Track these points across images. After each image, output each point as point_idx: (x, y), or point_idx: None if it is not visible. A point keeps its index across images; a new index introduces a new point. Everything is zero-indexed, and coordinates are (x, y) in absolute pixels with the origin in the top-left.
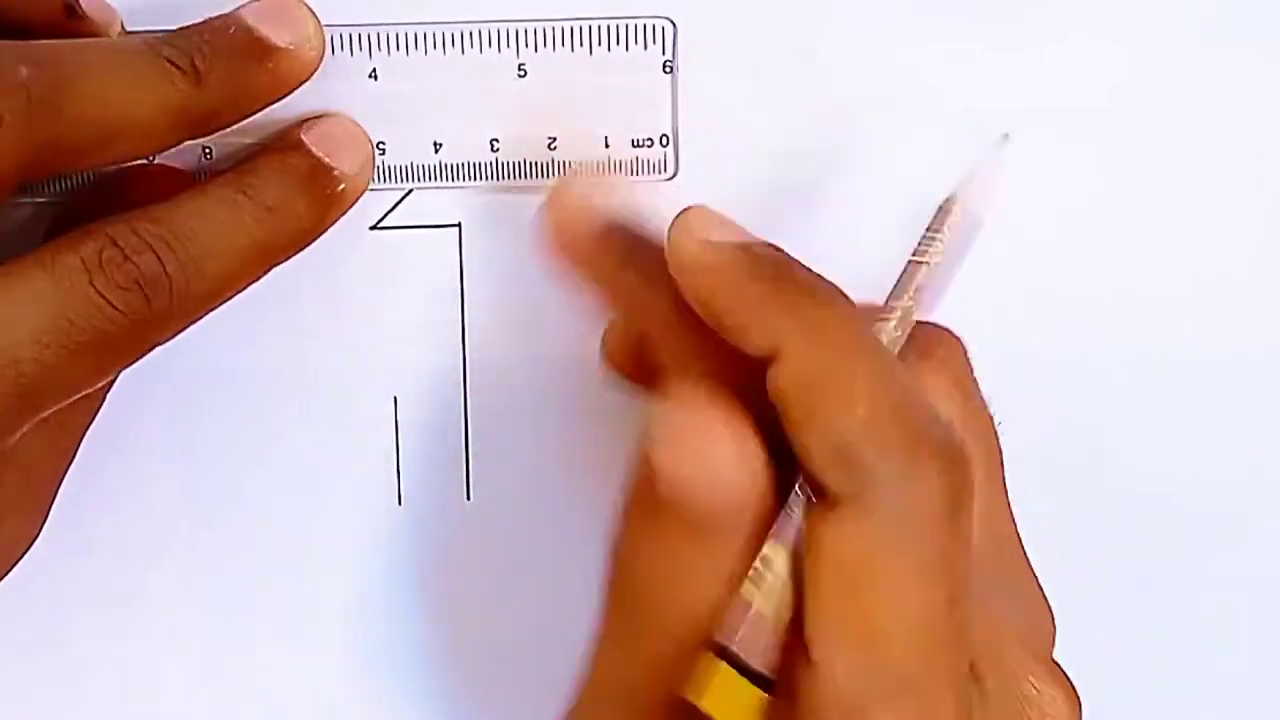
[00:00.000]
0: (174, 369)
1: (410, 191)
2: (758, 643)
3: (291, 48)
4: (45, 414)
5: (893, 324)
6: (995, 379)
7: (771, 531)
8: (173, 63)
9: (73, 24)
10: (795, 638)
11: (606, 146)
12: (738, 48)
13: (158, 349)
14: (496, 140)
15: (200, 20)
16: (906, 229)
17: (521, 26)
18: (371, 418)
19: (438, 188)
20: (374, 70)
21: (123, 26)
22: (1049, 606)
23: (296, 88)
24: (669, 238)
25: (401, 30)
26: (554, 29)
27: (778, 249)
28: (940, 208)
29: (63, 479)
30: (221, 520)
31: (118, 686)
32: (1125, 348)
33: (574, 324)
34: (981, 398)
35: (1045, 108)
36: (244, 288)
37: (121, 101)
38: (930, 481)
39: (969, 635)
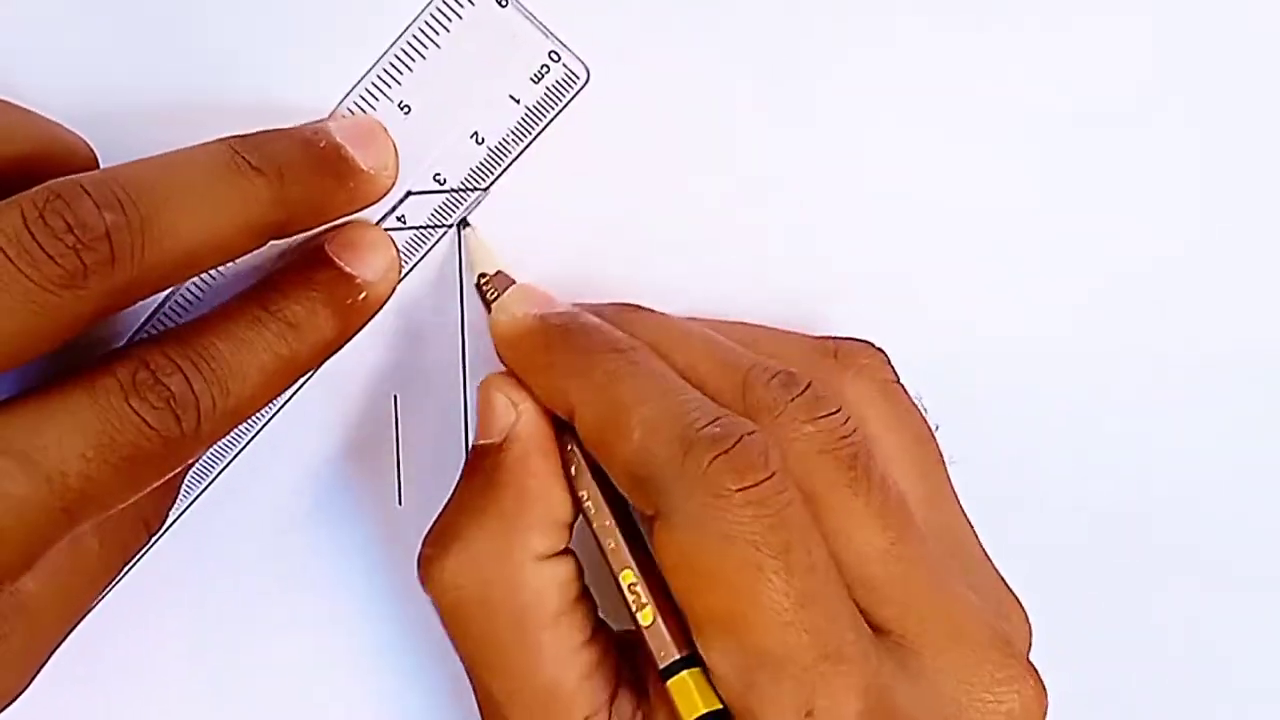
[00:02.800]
0: None
1: (409, 193)
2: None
3: (372, 172)
4: (81, 527)
5: None
6: (1004, 376)
7: (618, 565)
8: (257, 169)
9: None
10: None
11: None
12: None
13: None
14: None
15: (291, 126)
16: (916, 227)
17: None
18: (371, 418)
19: (436, 190)
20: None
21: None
22: (1020, 605)
23: (362, 210)
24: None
25: None
26: None
27: (570, 314)
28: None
29: (63, 640)
30: (220, 521)
31: (113, 687)
32: (1130, 344)
33: None
34: (908, 401)
35: (1049, 108)
36: (270, 401)
37: (204, 229)
38: (714, 474)
39: (833, 605)
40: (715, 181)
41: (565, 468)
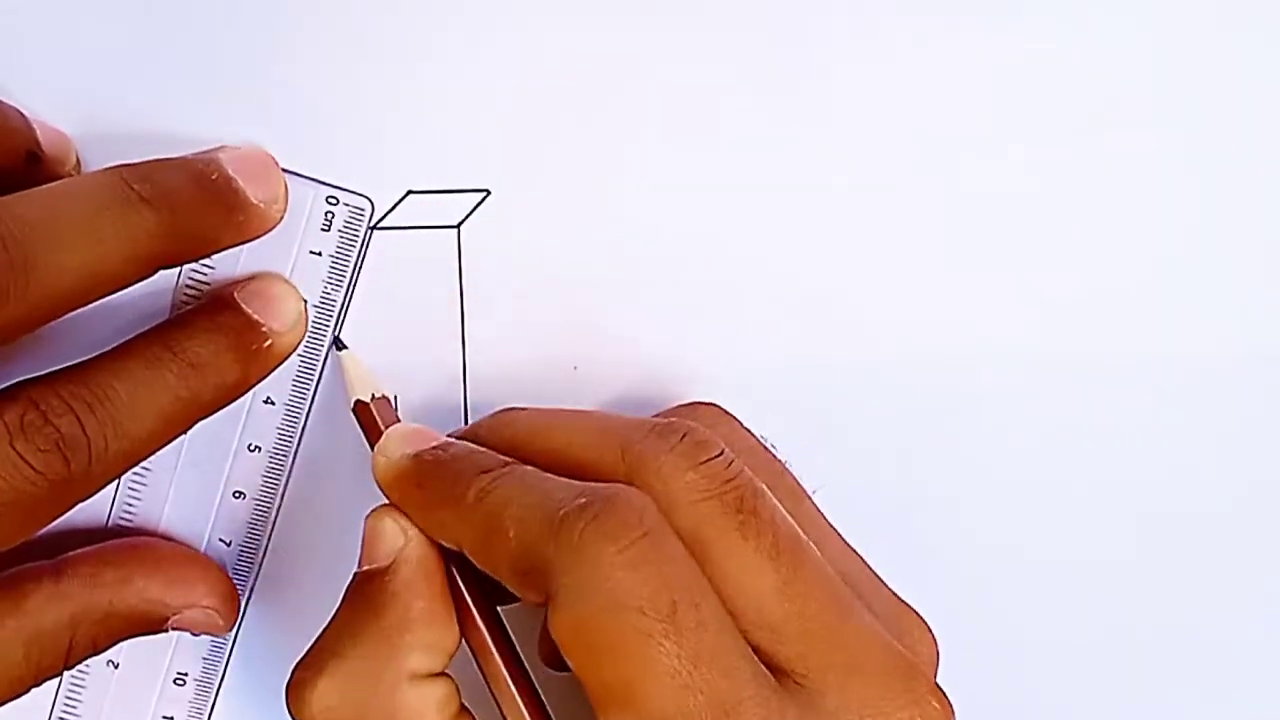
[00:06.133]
0: None
1: (409, 193)
2: None
3: (262, 205)
4: None
5: None
6: (1013, 381)
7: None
8: (147, 201)
9: (33, 168)
10: None
11: None
12: None
13: None
14: None
15: (183, 156)
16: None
17: None
18: None
19: (436, 190)
20: None
21: (78, 159)
22: (921, 619)
23: (250, 241)
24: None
25: None
26: None
27: (442, 445)
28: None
29: None
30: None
31: (114, 686)
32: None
33: (572, 325)
34: (753, 440)
35: (1052, 110)
36: (169, 441)
37: (90, 263)
38: (588, 542)
39: (728, 658)
40: None
41: (454, 599)
